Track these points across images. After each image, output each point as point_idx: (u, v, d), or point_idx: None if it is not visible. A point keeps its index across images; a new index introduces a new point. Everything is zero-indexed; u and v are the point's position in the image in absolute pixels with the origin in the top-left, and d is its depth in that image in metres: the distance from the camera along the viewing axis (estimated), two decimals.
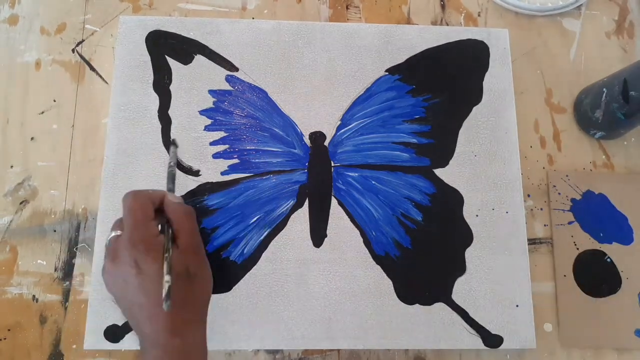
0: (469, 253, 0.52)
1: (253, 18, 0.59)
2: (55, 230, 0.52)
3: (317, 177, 0.54)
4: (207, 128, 0.54)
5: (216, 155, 0.53)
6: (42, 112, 0.55)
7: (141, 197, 0.37)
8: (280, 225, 0.52)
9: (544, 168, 0.56)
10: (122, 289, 0.36)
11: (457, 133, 0.55)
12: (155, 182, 0.52)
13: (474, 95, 0.57)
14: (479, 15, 0.61)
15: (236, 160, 0.53)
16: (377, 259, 0.52)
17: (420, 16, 0.60)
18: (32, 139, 0.54)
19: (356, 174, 0.54)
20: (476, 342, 0.50)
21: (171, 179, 0.45)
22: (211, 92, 0.55)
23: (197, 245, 0.38)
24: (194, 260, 0.37)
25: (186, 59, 0.55)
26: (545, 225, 0.55)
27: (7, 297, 0.50)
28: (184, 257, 0.36)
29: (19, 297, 0.50)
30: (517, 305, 0.51)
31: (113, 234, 0.39)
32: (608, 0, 0.62)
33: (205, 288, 0.38)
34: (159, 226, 0.38)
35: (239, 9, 0.59)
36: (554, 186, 0.55)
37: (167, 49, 0.56)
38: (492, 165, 0.55)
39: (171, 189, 0.43)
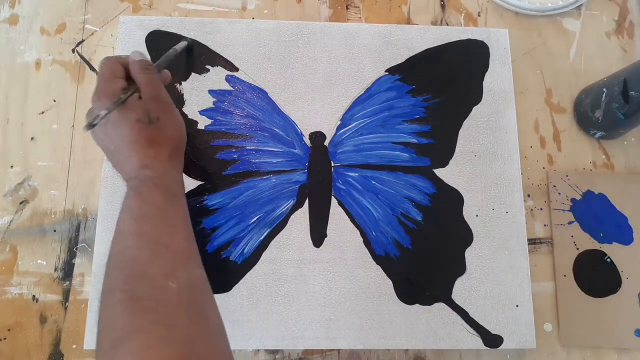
0: (469, 253, 0.52)
1: (253, 18, 0.59)
2: (55, 230, 0.52)
3: (317, 177, 0.54)
4: (207, 128, 0.54)
5: (216, 156, 0.53)
6: (42, 112, 0.55)
7: (111, 58, 0.43)
8: (280, 225, 0.52)
9: (544, 168, 0.56)
10: (103, 141, 0.42)
11: (457, 133, 0.55)
12: None
13: (474, 95, 0.57)
14: (479, 15, 0.61)
15: (236, 160, 0.53)
16: (377, 259, 0.52)
17: (420, 16, 0.60)
18: (32, 139, 0.54)
19: (356, 174, 0.54)
20: (476, 342, 0.50)
21: (164, 60, 0.48)
22: (211, 92, 0.55)
23: (156, 94, 0.42)
24: (154, 107, 0.41)
25: (188, 61, 0.55)
26: (545, 225, 0.55)
27: (7, 297, 0.50)
28: (144, 104, 0.41)
29: (19, 297, 0.50)
30: (517, 305, 0.51)
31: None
32: (608, 0, 0.62)
33: (169, 131, 0.42)
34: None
35: (239, 9, 0.59)
36: (554, 186, 0.55)
37: (167, 49, 0.56)
38: (492, 165, 0.55)
39: (158, 65, 0.46)
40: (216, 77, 0.55)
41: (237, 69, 0.56)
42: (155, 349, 0.29)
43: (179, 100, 0.54)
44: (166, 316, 0.31)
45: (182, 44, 0.53)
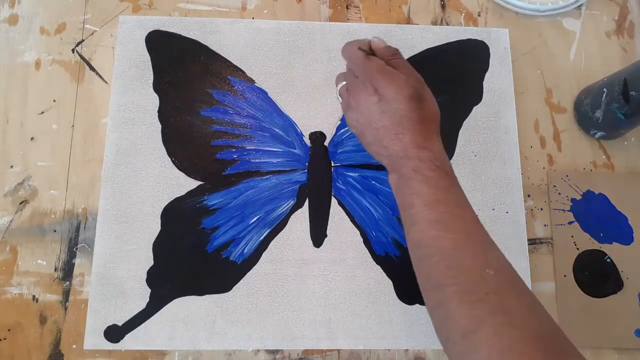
0: None
1: (253, 18, 0.59)
2: (55, 230, 0.52)
3: (317, 177, 0.54)
4: (207, 128, 0.54)
5: (216, 156, 0.53)
6: (42, 112, 0.55)
7: (352, 42, 0.44)
8: (280, 225, 0.52)
9: (544, 168, 0.56)
10: (366, 119, 0.42)
11: (457, 133, 0.55)
12: (155, 182, 0.52)
13: (474, 95, 0.57)
14: (479, 15, 0.61)
15: (236, 160, 0.53)
16: (377, 259, 0.52)
17: (420, 16, 0.60)
18: (32, 139, 0.54)
19: (356, 174, 0.54)
20: None
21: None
22: (211, 92, 0.55)
23: (413, 71, 0.43)
24: (420, 85, 0.42)
25: (188, 61, 0.55)
26: (545, 225, 0.55)
27: (7, 297, 0.50)
28: (414, 82, 0.41)
29: (19, 297, 0.50)
30: None
31: (340, 85, 0.46)
32: (608, 0, 0.62)
33: (433, 107, 0.42)
34: None
35: (239, 9, 0.59)
36: (554, 186, 0.55)
37: (167, 48, 0.56)
38: (492, 165, 0.55)
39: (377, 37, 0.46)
40: (216, 77, 0.55)
41: (242, 72, 0.56)
42: (502, 333, 0.33)
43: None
44: (498, 303, 0.34)
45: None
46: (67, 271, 0.51)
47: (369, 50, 0.44)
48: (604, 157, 0.57)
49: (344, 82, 0.46)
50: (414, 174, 0.39)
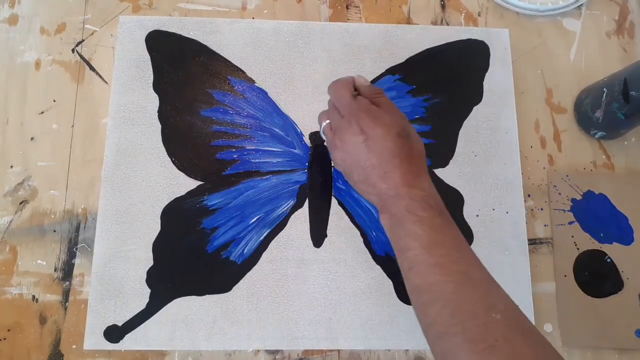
0: None
1: (253, 18, 0.59)
2: (55, 230, 0.52)
3: (317, 177, 0.54)
4: (207, 128, 0.54)
5: (216, 156, 0.53)
6: (42, 112, 0.55)
7: (341, 81, 0.45)
8: (280, 225, 0.52)
9: (544, 168, 0.56)
10: (353, 159, 0.41)
11: (457, 133, 0.55)
12: (155, 182, 0.52)
13: (474, 95, 0.57)
14: (479, 15, 0.61)
15: (236, 160, 0.53)
16: (377, 259, 0.52)
17: (420, 16, 0.60)
18: (32, 139, 0.54)
19: None
20: None
21: None
22: (211, 92, 0.55)
23: (398, 110, 0.43)
24: (404, 120, 0.42)
25: (188, 61, 0.55)
26: (545, 225, 0.54)
27: (7, 297, 0.50)
28: (400, 120, 0.41)
29: (19, 297, 0.50)
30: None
31: (324, 123, 0.45)
32: (608, 0, 0.62)
33: (419, 142, 0.42)
34: None
35: (239, 9, 0.59)
36: (555, 186, 0.55)
37: (167, 48, 0.56)
38: (492, 165, 0.55)
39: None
40: (216, 77, 0.55)
41: (242, 72, 0.56)
42: None
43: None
44: (509, 351, 0.33)
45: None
46: (67, 271, 0.51)
47: (353, 90, 0.44)
48: (604, 157, 0.57)
49: (328, 121, 0.45)
50: (407, 214, 0.38)
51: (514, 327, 0.35)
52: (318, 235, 0.52)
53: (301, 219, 0.52)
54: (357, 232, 0.52)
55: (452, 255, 0.37)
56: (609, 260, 0.53)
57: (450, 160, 0.55)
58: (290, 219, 0.52)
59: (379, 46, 0.57)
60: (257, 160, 0.54)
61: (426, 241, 0.37)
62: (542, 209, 0.55)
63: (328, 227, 0.52)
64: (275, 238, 0.52)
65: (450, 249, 0.37)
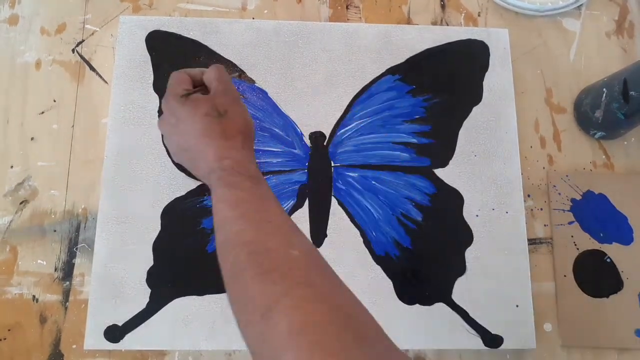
0: (469, 253, 0.52)
1: (253, 18, 0.59)
2: (55, 230, 0.52)
3: (317, 177, 0.54)
4: None
5: None
6: (42, 112, 0.55)
7: (180, 71, 0.45)
8: None
9: (544, 168, 0.56)
10: (175, 142, 0.43)
11: (457, 133, 0.55)
12: (155, 182, 0.52)
13: (474, 95, 0.57)
14: (479, 15, 0.61)
15: None
16: (377, 259, 0.52)
17: (420, 16, 0.60)
18: (32, 139, 0.54)
19: (356, 174, 0.54)
20: (476, 342, 0.50)
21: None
22: None
23: (224, 88, 0.43)
24: (222, 101, 0.42)
25: (188, 61, 0.55)
26: (545, 225, 0.55)
27: (7, 297, 0.50)
28: (211, 100, 0.42)
29: (19, 297, 0.50)
30: (517, 305, 0.51)
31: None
32: (608, 0, 0.62)
33: (239, 121, 0.43)
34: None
35: (239, 9, 0.59)
36: (554, 186, 0.55)
37: (167, 49, 0.56)
38: (492, 165, 0.55)
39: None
40: None
41: (243, 73, 0.56)
42: (304, 306, 0.31)
43: None
44: (302, 278, 0.33)
45: (233, 74, 0.55)
46: (67, 271, 0.51)
47: (198, 79, 0.45)
48: (604, 157, 0.57)
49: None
50: (217, 182, 0.39)
51: (310, 261, 0.35)
52: (318, 235, 0.52)
53: (301, 219, 0.52)
54: (357, 232, 0.52)
55: (257, 206, 0.38)
56: (608, 260, 0.53)
57: (450, 160, 0.55)
58: None
59: (379, 46, 0.57)
60: (257, 160, 0.54)
61: (232, 200, 0.38)
62: (541, 209, 0.55)
63: (328, 227, 0.52)
64: None
65: (256, 203, 0.38)
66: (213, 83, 0.43)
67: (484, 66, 0.57)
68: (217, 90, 0.43)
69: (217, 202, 0.38)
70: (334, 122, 0.55)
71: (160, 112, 0.54)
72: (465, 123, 0.56)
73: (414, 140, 0.55)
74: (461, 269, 0.52)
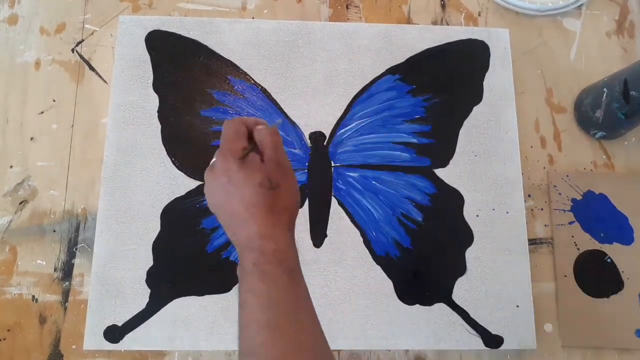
0: (469, 253, 0.52)
1: (253, 18, 0.59)
2: (54, 230, 0.52)
3: (317, 177, 0.54)
4: (207, 128, 0.54)
5: None
6: (42, 112, 0.55)
7: (236, 120, 0.42)
8: None
9: (544, 168, 0.56)
10: (219, 201, 0.40)
11: (457, 133, 0.55)
12: (155, 182, 0.52)
13: (474, 95, 0.57)
14: (479, 15, 0.61)
15: None
16: (377, 259, 0.52)
17: (420, 16, 0.60)
18: (31, 139, 0.54)
19: (356, 174, 0.54)
20: (476, 342, 0.50)
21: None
22: (211, 91, 0.55)
23: (279, 159, 0.40)
24: (275, 172, 0.40)
25: (188, 61, 0.55)
26: (545, 225, 0.54)
27: (6, 297, 0.50)
28: (266, 168, 0.39)
29: (19, 297, 0.50)
30: (517, 306, 0.51)
31: (213, 159, 0.43)
32: (608, 0, 0.62)
33: (288, 198, 0.40)
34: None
35: (239, 8, 0.59)
36: (555, 186, 0.55)
37: (167, 48, 0.56)
38: (492, 165, 0.55)
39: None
40: (216, 77, 0.55)
41: (243, 73, 0.55)
42: None
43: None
44: None
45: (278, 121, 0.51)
46: (66, 271, 0.51)
47: (243, 134, 0.41)
48: (604, 157, 0.57)
49: (214, 159, 0.43)
50: (253, 268, 0.36)
51: None
52: (318, 235, 0.52)
53: (301, 219, 0.52)
54: (357, 232, 0.52)
55: (289, 316, 0.35)
56: (609, 260, 0.53)
57: (450, 160, 0.55)
58: None
59: (379, 46, 0.57)
60: None
61: (264, 297, 0.35)
62: (542, 209, 0.55)
63: (328, 227, 0.52)
64: None
65: (289, 309, 0.35)
66: (268, 150, 0.40)
67: (484, 66, 0.57)
68: (271, 160, 0.40)
69: (246, 291, 0.36)
70: (334, 122, 0.55)
71: (161, 112, 0.54)
72: (466, 123, 0.56)
73: (414, 140, 0.55)
74: (461, 269, 0.52)
